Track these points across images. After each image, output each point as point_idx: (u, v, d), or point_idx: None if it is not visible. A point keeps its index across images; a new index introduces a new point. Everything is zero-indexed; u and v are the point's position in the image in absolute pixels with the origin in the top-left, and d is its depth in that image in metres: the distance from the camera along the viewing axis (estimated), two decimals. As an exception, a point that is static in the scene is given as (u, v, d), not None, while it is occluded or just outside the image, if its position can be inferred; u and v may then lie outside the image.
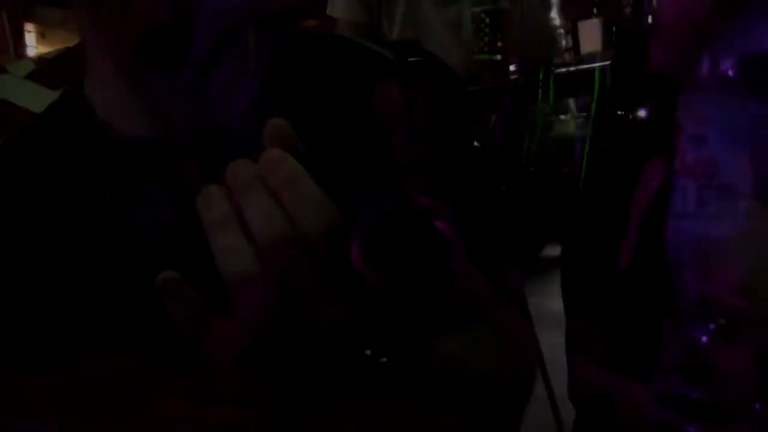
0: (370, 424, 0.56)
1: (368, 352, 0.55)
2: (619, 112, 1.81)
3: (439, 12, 2.20)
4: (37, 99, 0.90)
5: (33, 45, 6.91)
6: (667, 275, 0.91)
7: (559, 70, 2.03)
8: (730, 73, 0.85)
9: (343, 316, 0.49)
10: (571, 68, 2.02)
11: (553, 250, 2.13)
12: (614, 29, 2.41)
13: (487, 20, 1.87)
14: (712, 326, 0.86)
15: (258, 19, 0.81)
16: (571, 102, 2.36)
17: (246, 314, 0.49)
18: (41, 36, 7.65)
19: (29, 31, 6.92)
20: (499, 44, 1.87)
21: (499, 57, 1.90)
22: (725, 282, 0.85)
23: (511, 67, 2.02)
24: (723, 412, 0.88)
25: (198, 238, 0.51)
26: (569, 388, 1.25)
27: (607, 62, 1.81)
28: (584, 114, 2.10)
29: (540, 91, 1.84)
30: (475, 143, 0.87)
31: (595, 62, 2.00)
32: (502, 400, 0.73)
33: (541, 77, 1.86)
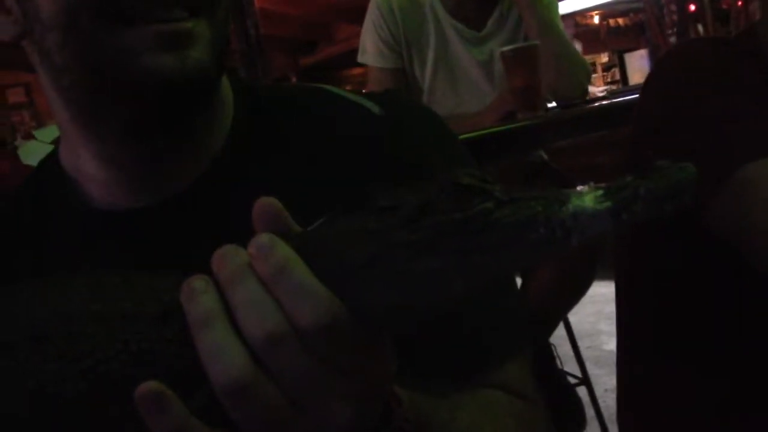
0: None
1: None
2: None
3: (469, 52, 2.19)
4: None
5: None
6: None
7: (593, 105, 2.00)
8: None
9: (354, 413, 0.45)
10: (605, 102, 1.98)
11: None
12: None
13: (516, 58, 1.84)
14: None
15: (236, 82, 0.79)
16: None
17: (240, 422, 0.44)
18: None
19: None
20: (530, 82, 1.84)
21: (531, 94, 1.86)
22: None
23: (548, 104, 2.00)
24: None
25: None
26: None
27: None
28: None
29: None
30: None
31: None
32: None
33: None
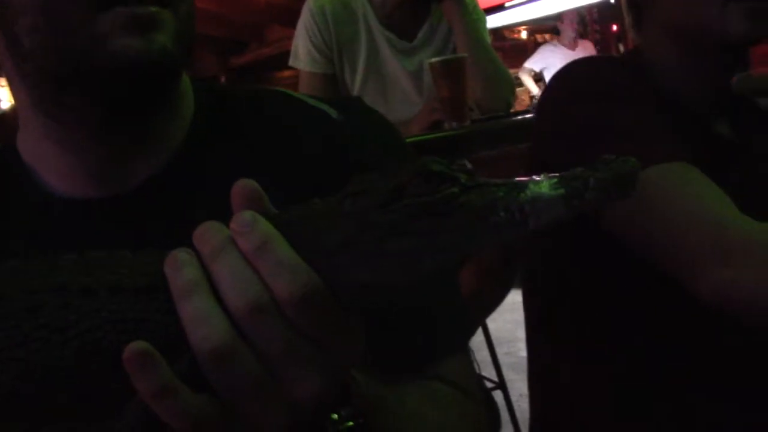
0: None
1: (335, 416, 0.53)
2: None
3: (399, 62, 2.23)
4: None
5: (6, 99, 6.89)
6: None
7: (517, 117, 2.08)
8: None
9: (322, 385, 0.47)
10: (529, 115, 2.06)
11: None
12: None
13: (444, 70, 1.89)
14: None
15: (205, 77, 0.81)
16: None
17: (221, 388, 0.46)
18: (14, 90, 7.63)
19: (2, 86, 6.90)
20: (457, 93, 1.89)
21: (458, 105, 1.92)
22: None
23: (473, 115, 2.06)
24: None
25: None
26: None
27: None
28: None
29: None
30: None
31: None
32: None
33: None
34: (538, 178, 0.45)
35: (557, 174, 0.45)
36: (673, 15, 1.07)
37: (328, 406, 0.51)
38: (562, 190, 0.44)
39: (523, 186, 0.45)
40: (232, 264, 0.46)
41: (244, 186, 0.49)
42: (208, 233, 0.48)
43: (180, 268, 0.47)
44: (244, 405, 0.47)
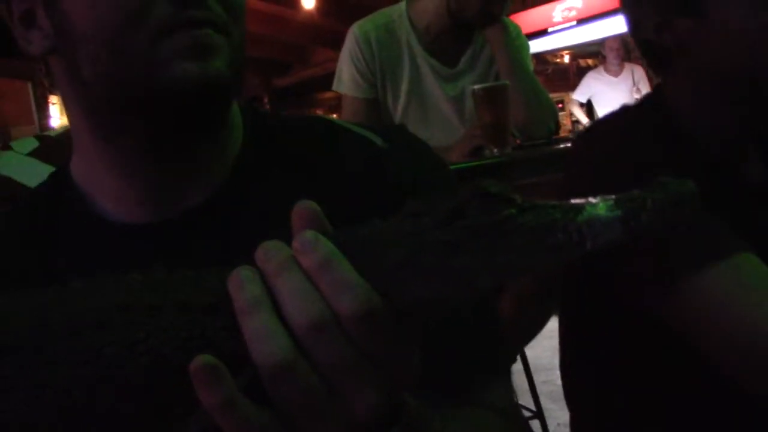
0: None
1: None
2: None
3: (441, 88, 2.23)
4: (36, 176, 0.91)
5: (57, 116, 7.05)
6: None
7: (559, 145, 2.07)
8: None
9: (379, 401, 0.48)
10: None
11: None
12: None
13: (486, 97, 1.90)
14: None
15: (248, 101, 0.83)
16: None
17: (281, 403, 0.47)
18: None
19: (53, 104, 7.07)
20: (499, 119, 1.89)
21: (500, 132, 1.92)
22: None
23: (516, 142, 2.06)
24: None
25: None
26: None
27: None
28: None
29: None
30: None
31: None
32: None
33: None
34: (594, 200, 0.46)
35: (614, 196, 0.46)
36: (723, 63, 1.04)
37: (382, 423, 0.51)
38: (619, 212, 0.45)
39: (580, 208, 0.46)
40: (295, 282, 0.47)
41: (304, 208, 0.50)
42: (271, 252, 0.49)
43: (243, 286, 0.48)
44: (302, 419, 0.48)
